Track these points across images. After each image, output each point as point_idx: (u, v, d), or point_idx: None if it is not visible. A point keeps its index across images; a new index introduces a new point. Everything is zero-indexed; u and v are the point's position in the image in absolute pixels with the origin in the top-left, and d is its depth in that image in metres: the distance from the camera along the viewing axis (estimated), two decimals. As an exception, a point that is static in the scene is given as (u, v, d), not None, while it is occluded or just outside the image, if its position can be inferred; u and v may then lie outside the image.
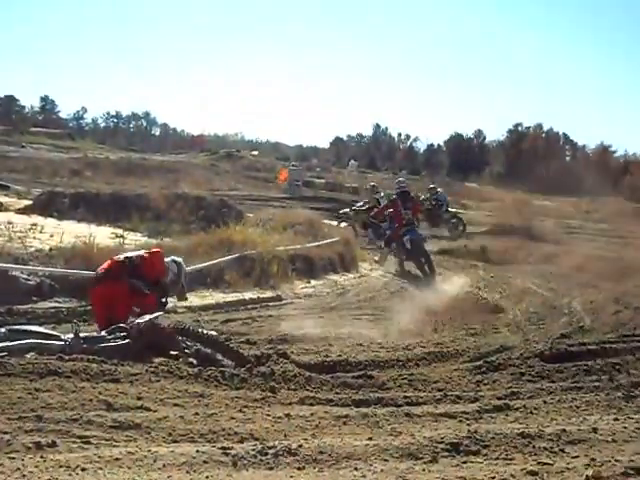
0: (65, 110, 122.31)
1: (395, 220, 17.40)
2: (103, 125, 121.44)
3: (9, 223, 15.52)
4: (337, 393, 6.39)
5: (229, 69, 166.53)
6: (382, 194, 24.40)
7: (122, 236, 15.01)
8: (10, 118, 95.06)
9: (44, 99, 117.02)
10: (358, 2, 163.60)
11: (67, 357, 6.26)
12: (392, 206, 17.77)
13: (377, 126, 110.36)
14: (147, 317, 7.39)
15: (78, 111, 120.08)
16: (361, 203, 25.25)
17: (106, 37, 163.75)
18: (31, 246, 12.70)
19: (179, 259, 8.48)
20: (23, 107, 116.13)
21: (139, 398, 5.50)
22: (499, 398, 6.35)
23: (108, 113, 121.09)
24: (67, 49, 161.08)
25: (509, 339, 9.18)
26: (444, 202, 27.33)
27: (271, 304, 12.44)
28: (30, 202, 21.44)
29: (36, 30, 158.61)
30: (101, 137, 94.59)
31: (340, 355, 7.92)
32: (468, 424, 5.43)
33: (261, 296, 12.83)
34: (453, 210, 28.80)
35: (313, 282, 14.88)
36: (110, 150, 65.07)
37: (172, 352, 7.21)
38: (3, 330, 6.91)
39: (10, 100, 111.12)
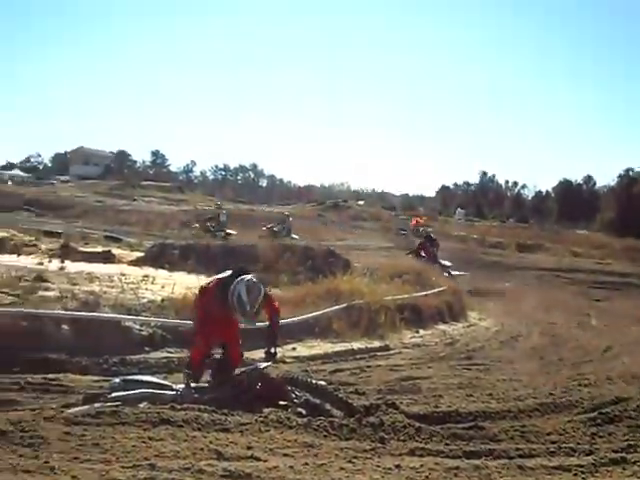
0: (175, 164, 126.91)
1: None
2: (212, 177, 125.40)
3: (122, 275, 16.21)
4: (447, 444, 6.34)
5: (334, 121, 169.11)
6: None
7: (231, 287, 15.36)
8: (122, 172, 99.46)
9: (155, 153, 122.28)
10: (461, 54, 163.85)
11: (179, 406, 6.48)
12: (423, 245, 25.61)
13: (484, 174, 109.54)
14: (256, 367, 7.58)
15: (187, 164, 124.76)
16: None
17: (214, 93, 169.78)
18: (143, 297, 13.21)
19: (253, 279, 7.89)
20: (135, 162, 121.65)
21: (249, 448, 5.62)
22: (615, 451, 6.15)
23: (216, 166, 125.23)
24: (177, 105, 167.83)
25: (625, 390, 8.87)
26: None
27: (379, 354, 12.48)
28: (142, 254, 22.29)
29: (147, 88, 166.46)
30: (210, 189, 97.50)
31: (450, 406, 7.86)
32: (583, 477, 5.30)
33: (369, 346, 12.89)
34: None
35: (421, 332, 14.84)
36: (219, 202, 66.91)
37: (281, 402, 7.33)
38: (117, 380, 7.25)
39: (122, 155, 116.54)
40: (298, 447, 5.82)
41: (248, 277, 7.70)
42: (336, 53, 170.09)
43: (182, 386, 7.26)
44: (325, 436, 6.23)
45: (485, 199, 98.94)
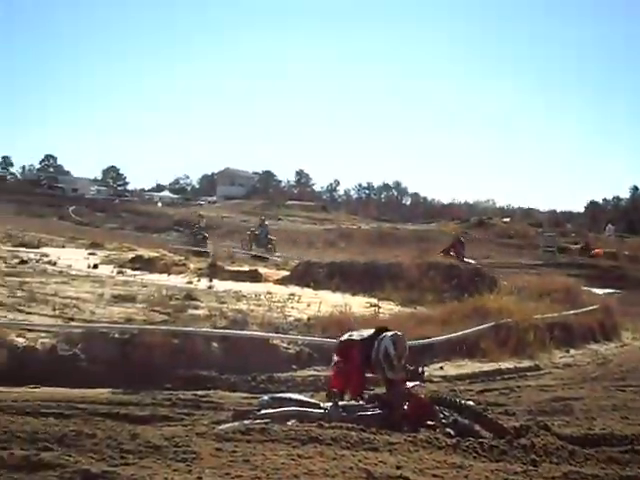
0: (319, 183, 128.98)
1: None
2: (355, 196, 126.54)
3: (268, 293, 16.58)
4: (603, 468, 6.02)
5: (478, 137, 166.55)
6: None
7: (377, 305, 15.42)
8: (267, 192, 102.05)
9: (299, 173, 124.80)
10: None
11: (327, 425, 6.50)
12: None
13: (635, 188, 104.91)
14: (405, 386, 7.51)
15: (331, 184, 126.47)
16: None
17: (357, 113, 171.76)
18: (290, 315, 13.43)
19: (398, 333, 7.80)
20: (280, 181, 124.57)
21: (398, 467, 5.55)
22: None
23: (360, 185, 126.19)
24: (321, 125, 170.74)
25: None
26: None
27: (529, 374, 12.19)
28: (288, 273, 22.74)
29: (291, 110, 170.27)
30: (353, 208, 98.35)
31: (604, 428, 7.48)
32: None
33: (518, 365, 12.60)
34: None
35: (572, 351, 14.41)
36: (362, 220, 67.41)
37: (429, 422, 7.23)
38: (266, 397, 7.37)
39: (268, 175, 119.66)
40: (447, 468, 5.70)
41: (392, 333, 7.65)
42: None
43: (330, 404, 7.28)
44: (475, 457, 6.08)
45: (637, 214, 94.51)
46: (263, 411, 7.01)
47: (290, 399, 7.43)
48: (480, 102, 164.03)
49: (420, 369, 8.11)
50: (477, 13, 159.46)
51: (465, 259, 28.21)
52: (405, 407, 7.39)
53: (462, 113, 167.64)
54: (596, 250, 44.88)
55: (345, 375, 7.86)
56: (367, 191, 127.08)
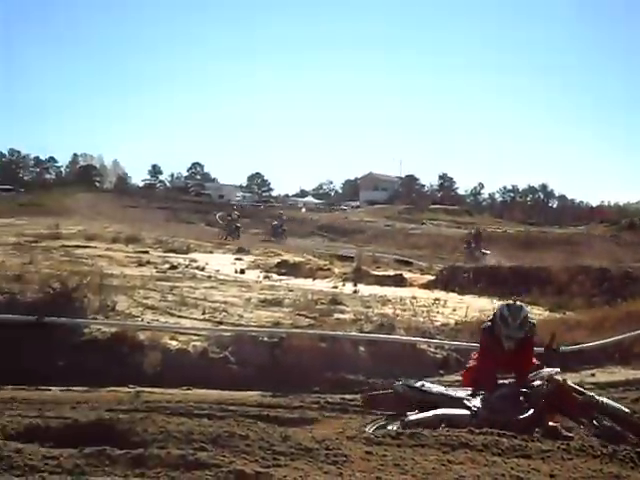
0: (463, 187, 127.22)
1: None
2: (500, 199, 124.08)
3: (413, 298, 16.50)
4: None
5: (626, 135, 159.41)
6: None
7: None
8: (411, 197, 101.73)
9: (442, 177, 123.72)
10: None
11: (477, 430, 6.39)
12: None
13: None
14: (548, 374, 7.30)
15: (475, 187, 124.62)
16: None
17: (498, 114, 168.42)
18: (436, 320, 13.33)
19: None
20: (423, 186, 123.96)
21: (552, 476, 5.40)
22: None
23: (505, 187, 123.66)
24: (464, 129, 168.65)
25: None
26: None
27: (687, 381, 11.51)
28: (432, 277, 22.57)
29: (433, 114, 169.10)
30: (498, 211, 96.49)
31: None
32: None
33: (675, 372, 11.94)
34: None
35: None
36: (507, 224, 66.02)
37: (574, 418, 7.02)
38: (400, 383, 7.29)
39: (411, 179, 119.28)
40: (602, 477, 5.50)
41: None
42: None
43: (478, 403, 7.18)
44: (632, 467, 5.81)
45: None
46: (413, 417, 6.98)
47: (431, 392, 7.35)
48: (626, 100, 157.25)
49: (554, 344, 7.81)
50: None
51: (482, 250, 34.18)
52: (549, 396, 7.20)
53: (608, 111, 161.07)
54: None
55: (473, 368, 7.79)
56: (512, 194, 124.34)
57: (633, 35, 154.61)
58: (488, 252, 34.13)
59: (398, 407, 7.30)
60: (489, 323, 7.82)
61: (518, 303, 7.77)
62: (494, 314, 7.73)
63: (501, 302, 7.64)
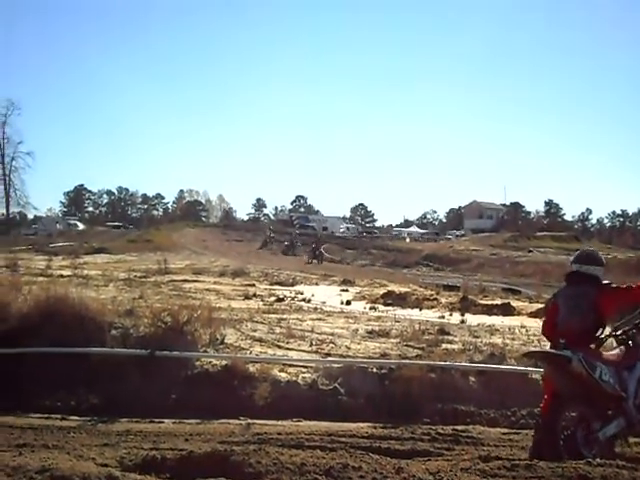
0: (570, 212, 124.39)
1: None
2: (609, 225, 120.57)
3: (522, 327, 16.14)
4: None
5: None
6: None
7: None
8: (517, 224, 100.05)
9: (548, 203, 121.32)
10: None
11: (595, 462, 6.15)
12: None
13: None
14: None
15: (583, 212, 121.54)
16: None
17: (603, 136, 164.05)
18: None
19: None
20: (529, 213, 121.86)
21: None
22: None
23: (614, 212, 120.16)
24: (572, 153, 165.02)
25: None
26: None
27: None
28: (541, 305, 22.00)
29: (541, 145, 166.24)
30: (607, 237, 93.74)
31: None
32: None
33: None
34: None
35: None
36: (617, 250, 64.01)
37: None
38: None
39: (516, 207, 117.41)
40: None
41: None
42: None
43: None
44: None
45: None
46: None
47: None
48: None
49: None
50: None
51: None
52: None
53: None
54: None
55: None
56: (621, 219, 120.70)
57: None
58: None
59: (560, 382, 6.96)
60: None
61: None
62: None
63: None
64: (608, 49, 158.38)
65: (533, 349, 10.42)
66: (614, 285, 7.30)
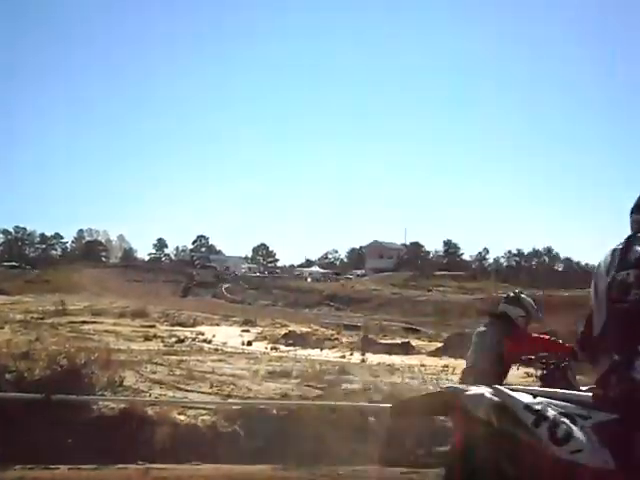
0: (468, 252, 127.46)
1: None
2: (505, 264, 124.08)
3: (422, 365, 16.44)
4: None
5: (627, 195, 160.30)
6: None
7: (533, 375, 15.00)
8: (417, 264, 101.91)
9: (447, 243, 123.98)
10: None
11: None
12: None
13: None
14: None
15: (480, 252, 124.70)
16: None
17: (501, 178, 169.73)
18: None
19: None
20: (428, 252, 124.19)
21: None
22: None
23: (509, 252, 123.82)
24: (467, 193, 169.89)
25: None
26: None
27: None
28: (440, 344, 22.51)
29: (433, 179, 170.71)
30: (504, 276, 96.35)
31: None
32: None
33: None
34: None
35: None
36: (513, 289, 65.88)
37: None
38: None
39: (416, 247, 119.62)
40: None
41: None
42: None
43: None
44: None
45: None
46: None
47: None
48: (631, 159, 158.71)
49: None
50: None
51: None
52: None
53: (610, 175, 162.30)
54: None
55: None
56: (517, 258, 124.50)
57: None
58: None
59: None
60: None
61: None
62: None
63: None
64: (500, 88, 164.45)
65: (440, 388, 10.61)
66: (525, 332, 7.54)
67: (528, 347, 7.42)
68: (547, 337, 7.52)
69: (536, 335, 7.51)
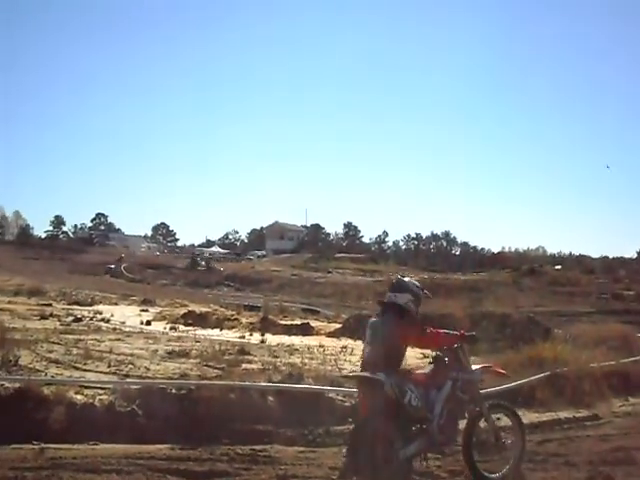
0: (368, 235, 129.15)
1: None
2: (404, 247, 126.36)
3: (321, 346, 16.62)
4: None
5: (526, 185, 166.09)
6: None
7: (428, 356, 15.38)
8: (317, 246, 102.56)
9: (347, 226, 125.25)
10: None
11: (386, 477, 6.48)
12: None
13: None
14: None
15: (380, 235, 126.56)
16: None
17: (404, 163, 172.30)
18: (344, 368, 13.44)
19: None
20: (328, 234, 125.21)
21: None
22: None
23: (409, 235, 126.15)
24: (368, 177, 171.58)
25: None
26: None
27: (588, 423, 11.98)
28: (339, 325, 22.76)
29: (338, 161, 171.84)
30: (403, 259, 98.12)
31: (670, 478, 7.37)
32: None
33: (576, 415, 12.40)
34: None
35: (632, 400, 14.11)
36: (412, 271, 67.32)
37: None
38: None
39: (316, 229, 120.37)
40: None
41: None
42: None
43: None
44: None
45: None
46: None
47: None
48: (526, 150, 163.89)
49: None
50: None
51: None
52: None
53: (508, 161, 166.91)
54: None
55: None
56: (416, 242, 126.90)
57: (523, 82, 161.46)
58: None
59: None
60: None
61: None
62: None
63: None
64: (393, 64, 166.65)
65: (351, 373, 10.78)
66: (417, 323, 7.74)
67: (421, 343, 7.69)
68: (440, 331, 7.72)
69: (430, 330, 7.69)
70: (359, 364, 8.09)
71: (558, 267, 77.84)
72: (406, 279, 7.96)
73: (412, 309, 7.67)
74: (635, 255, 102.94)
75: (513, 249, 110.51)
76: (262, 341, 18.02)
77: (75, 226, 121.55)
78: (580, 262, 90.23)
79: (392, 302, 7.68)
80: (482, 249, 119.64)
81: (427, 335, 7.59)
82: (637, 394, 14.55)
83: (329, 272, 67.00)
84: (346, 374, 9.97)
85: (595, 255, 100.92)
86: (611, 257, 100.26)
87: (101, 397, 10.39)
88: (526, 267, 68.51)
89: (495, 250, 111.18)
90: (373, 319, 7.80)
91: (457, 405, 7.41)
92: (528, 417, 11.90)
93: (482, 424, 7.61)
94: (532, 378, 13.11)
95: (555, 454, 9.12)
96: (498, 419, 7.86)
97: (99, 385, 10.94)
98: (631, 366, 15.47)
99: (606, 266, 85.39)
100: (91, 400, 10.24)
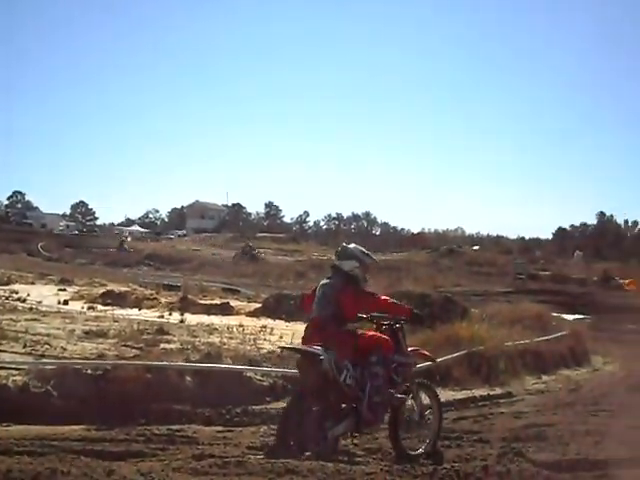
0: (289, 215, 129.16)
1: None
2: (325, 227, 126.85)
3: (240, 326, 16.55)
4: (578, 493, 6.11)
5: (445, 166, 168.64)
6: None
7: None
8: (238, 225, 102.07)
9: (268, 205, 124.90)
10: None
11: (303, 456, 6.49)
12: None
13: (601, 214, 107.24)
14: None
15: (301, 215, 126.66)
16: None
17: (325, 143, 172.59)
18: (262, 348, 13.42)
19: None
20: (249, 214, 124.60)
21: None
22: None
23: (329, 215, 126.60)
24: (289, 156, 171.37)
25: None
26: None
27: (502, 401, 12.31)
28: (259, 305, 22.74)
29: (252, 140, 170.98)
30: (323, 239, 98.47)
31: (578, 453, 7.57)
32: None
33: (491, 393, 12.73)
34: None
35: (544, 377, 14.61)
36: (333, 251, 67.76)
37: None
38: None
39: (238, 208, 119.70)
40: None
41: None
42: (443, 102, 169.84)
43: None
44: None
45: (604, 240, 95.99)
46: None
47: None
48: (446, 130, 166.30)
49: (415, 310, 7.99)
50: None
51: None
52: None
53: (427, 141, 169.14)
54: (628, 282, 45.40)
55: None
56: (337, 222, 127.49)
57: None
58: None
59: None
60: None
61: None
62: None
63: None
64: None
65: (288, 345, 10.71)
66: (362, 286, 7.71)
67: (366, 304, 7.62)
68: (388, 298, 7.73)
69: (378, 295, 7.71)
70: (283, 341, 8.11)
71: (476, 247, 79.55)
72: (351, 246, 7.93)
73: (359, 274, 7.67)
74: (551, 236, 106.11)
75: (432, 230, 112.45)
76: (181, 321, 17.85)
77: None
78: (498, 243, 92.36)
79: (339, 268, 7.67)
80: (402, 229, 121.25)
81: (375, 298, 7.60)
82: (550, 372, 15.02)
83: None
84: (284, 345, 9.93)
85: (512, 236, 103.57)
86: (527, 238, 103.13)
87: (15, 378, 10.09)
88: (445, 247, 69.74)
89: (415, 230, 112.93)
90: (324, 280, 7.77)
91: (389, 386, 7.43)
92: (444, 395, 12.10)
93: (409, 402, 7.68)
94: (448, 357, 13.34)
95: (469, 431, 9.28)
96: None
97: (13, 366, 10.63)
98: (545, 345, 15.95)
99: (523, 247, 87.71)
100: (4, 381, 9.94)
